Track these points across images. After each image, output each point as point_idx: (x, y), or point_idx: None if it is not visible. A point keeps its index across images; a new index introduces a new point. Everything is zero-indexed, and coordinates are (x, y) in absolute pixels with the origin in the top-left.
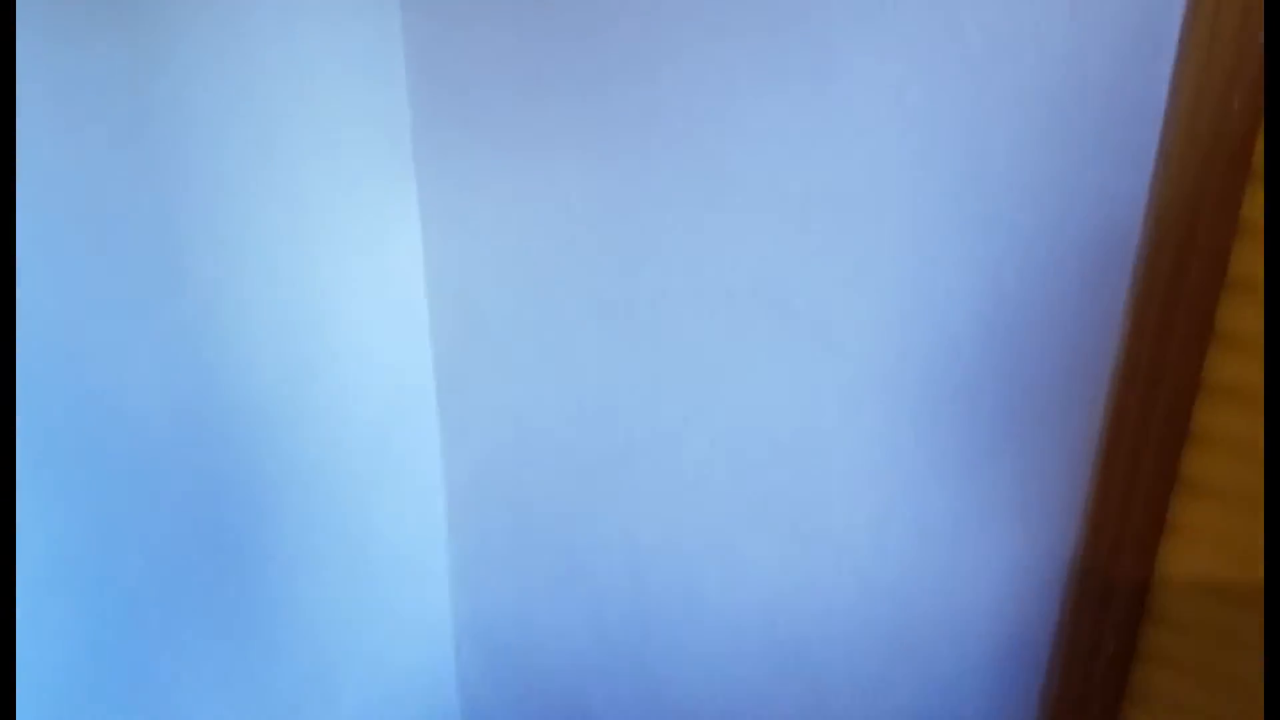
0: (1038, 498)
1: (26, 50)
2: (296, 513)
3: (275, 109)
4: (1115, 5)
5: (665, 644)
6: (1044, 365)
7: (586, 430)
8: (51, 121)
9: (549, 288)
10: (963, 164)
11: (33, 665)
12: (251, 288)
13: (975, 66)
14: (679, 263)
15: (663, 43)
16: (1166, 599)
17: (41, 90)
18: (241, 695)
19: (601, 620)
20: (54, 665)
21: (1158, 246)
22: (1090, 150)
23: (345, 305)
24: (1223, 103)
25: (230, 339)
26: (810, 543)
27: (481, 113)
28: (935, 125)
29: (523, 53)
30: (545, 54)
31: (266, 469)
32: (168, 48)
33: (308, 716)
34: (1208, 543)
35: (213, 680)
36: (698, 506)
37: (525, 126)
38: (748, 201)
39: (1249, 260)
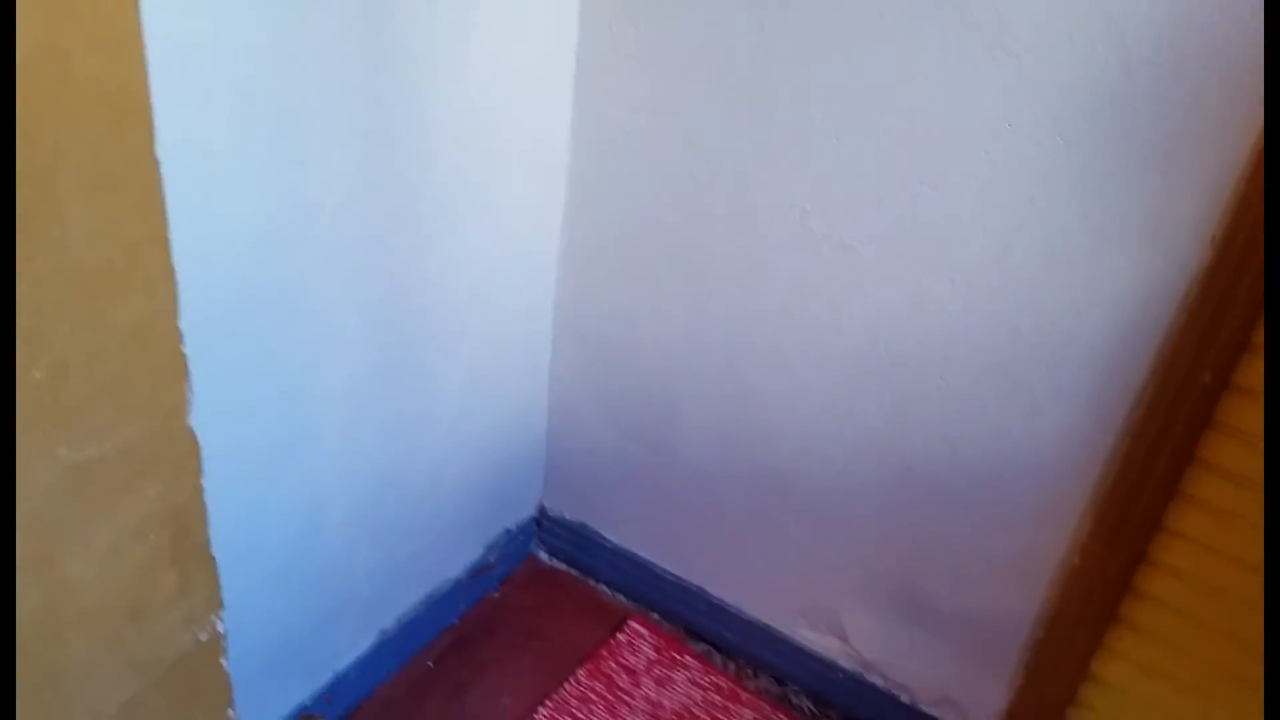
0: (1172, 218)
1: None
2: (445, 170)
3: None
4: None
5: (761, 351)
6: (1207, 87)
7: (721, 127)
8: None
9: None
10: None
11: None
12: None
13: None
14: None
15: None
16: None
17: None
18: (382, 331)
19: (701, 324)
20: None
21: None
22: None
23: None
24: None
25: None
26: (931, 260)
27: None
28: None
29: None
30: None
31: (430, 115)
32: None
33: (426, 365)
34: None
35: (360, 311)
36: (825, 216)
37: None
38: None
39: None
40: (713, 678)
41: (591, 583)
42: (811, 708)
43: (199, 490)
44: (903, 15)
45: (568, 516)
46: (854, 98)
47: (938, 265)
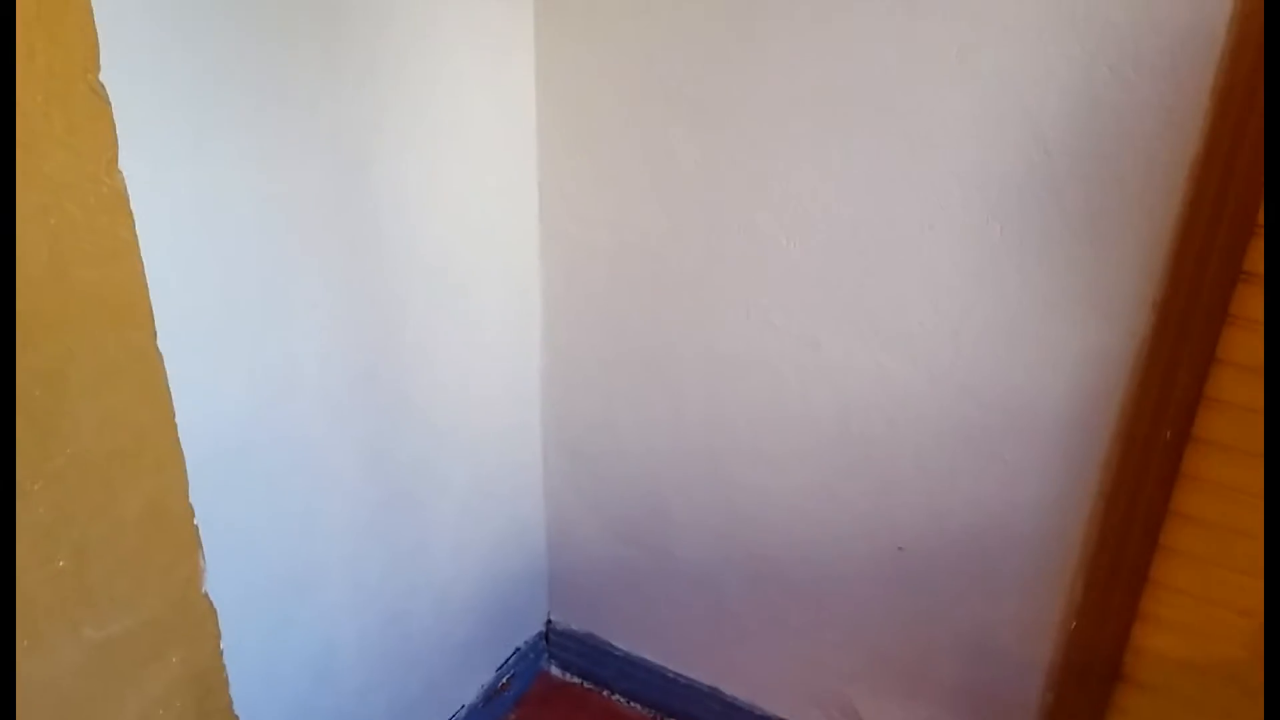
0: (1112, 287)
1: None
2: (423, 306)
3: None
4: None
5: (741, 447)
6: (1123, 164)
7: (680, 238)
8: None
9: (651, 97)
10: None
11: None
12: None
13: None
14: (781, 66)
15: None
16: (1224, 382)
17: None
18: (376, 468)
19: (682, 426)
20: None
21: (1238, 47)
22: None
23: (462, 115)
24: None
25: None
26: (889, 343)
27: None
28: None
29: None
30: None
31: (401, 259)
32: None
33: (422, 495)
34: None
35: (354, 452)
36: (785, 311)
37: None
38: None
39: None
40: None
41: (605, 693)
42: None
43: (218, 653)
44: (831, 119)
45: (575, 628)
46: (795, 198)
47: (896, 348)
